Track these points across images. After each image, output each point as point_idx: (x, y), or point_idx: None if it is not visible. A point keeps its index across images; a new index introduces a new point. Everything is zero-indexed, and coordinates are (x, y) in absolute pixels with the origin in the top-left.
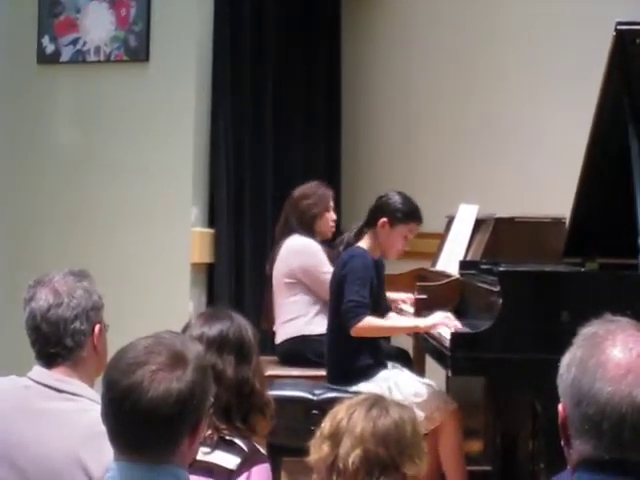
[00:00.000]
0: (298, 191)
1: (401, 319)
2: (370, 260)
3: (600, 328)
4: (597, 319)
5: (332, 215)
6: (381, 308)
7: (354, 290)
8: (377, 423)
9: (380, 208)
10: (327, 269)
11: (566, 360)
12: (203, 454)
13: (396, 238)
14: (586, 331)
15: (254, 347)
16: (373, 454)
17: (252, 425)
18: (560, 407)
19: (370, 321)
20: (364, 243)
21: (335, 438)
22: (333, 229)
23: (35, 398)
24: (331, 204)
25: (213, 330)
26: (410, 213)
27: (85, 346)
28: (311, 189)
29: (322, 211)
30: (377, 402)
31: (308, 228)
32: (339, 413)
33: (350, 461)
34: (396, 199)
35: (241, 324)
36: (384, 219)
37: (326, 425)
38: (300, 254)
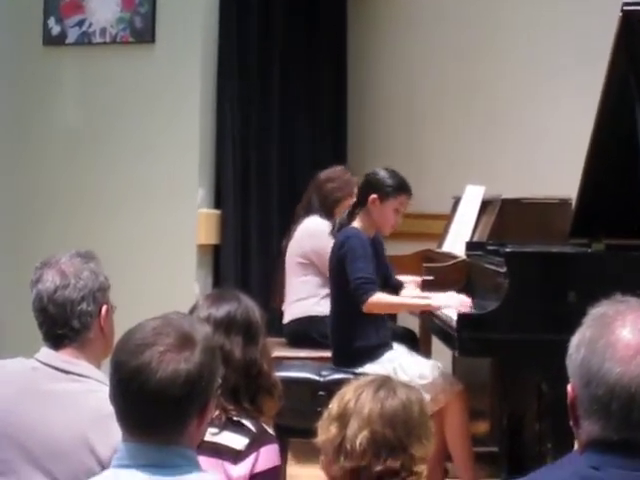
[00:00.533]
0: (324, 174)
1: (413, 296)
2: (366, 239)
3: (610, 309)
4: (604, 299)
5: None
6: (388, 285)
7: (359, 267)
8: (385, 404)
9: (368, 185)
10: None
11: (575, 340)
12: (211, 435)
13: (388, 213)
14: (595, 311)
15: (261, 328)
16: (380, 435)
17: (260, 406)
18: (569, 387)
19: (382, 297)
20: (357, 223)
21: (343, 419)
22: None
23: (42, 380)
24: (355, 191)
25: (220, 311)
26: (398, 186)
27: (92, 327)
28: (337, 173)
29: (345, 196)
30: (385, 383)
31: (328, 211)
32: (347, 394)
33: (357, 442)
34: (383, 174)
35: (248, 305)
36: (374, 195)
37: (334, 406)
38: (313, 237)
